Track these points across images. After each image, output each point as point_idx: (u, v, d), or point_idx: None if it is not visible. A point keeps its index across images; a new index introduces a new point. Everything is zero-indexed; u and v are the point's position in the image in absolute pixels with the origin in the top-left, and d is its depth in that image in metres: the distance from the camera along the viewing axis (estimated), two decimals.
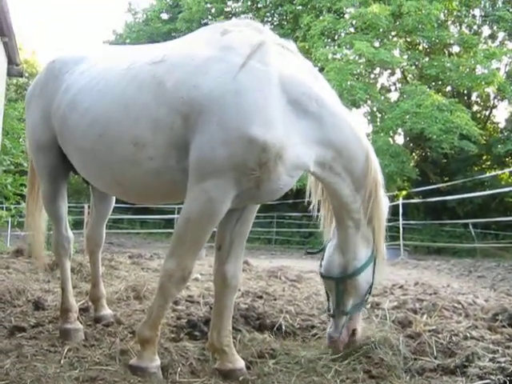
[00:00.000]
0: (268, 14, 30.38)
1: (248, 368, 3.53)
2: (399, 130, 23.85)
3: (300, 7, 27.09)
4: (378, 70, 25.64)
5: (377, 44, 23.62)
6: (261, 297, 6.09)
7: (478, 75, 21.95)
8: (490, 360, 3.59)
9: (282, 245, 24.34)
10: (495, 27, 25.47)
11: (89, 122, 3.52)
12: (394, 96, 26.62)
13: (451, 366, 3.51)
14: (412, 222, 20.42)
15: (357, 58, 22.94)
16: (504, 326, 4.68)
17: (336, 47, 24.37)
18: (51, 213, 4.33)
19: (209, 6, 30.65)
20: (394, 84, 27.88)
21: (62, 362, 3.44)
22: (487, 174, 23.34)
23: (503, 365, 3.43)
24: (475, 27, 25.77)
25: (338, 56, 23.84)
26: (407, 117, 21.19)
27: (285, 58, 3.30)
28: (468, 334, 4.28)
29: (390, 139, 23.11)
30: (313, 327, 4.66)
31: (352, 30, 24.76)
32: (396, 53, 23.40)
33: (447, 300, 5.85)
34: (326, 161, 3.33)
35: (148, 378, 3.17)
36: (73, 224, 11.22)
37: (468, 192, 18.07)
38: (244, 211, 3.60)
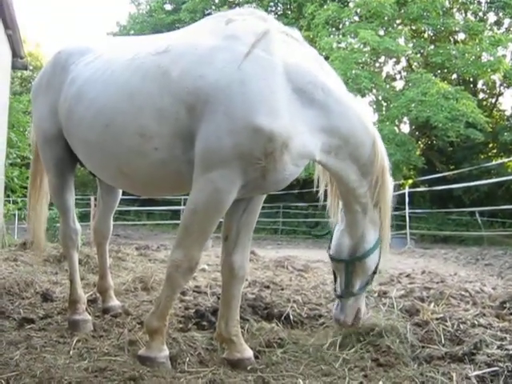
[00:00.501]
0: (272, 4, 30.23)
1: (256, 357, 3.55)
2: (405, 119, 23.75)
3: None
4: (383, 59, 25.46)
5: (382, 32, 23.49)
6: (268, 287, 6.11)
7: (484, 62, 21.79)
8: (498, 347, 3.59)
9: (288, 235, 24.33)
10: (501, 14, 25.24)
11: (94, 113, 3.52)
12: (399, 84, 26.49)
13: (459, 354, 3.51)
14: (418, 210, 20.37)
15: (361, 46, 22.82)
16: None
17: (341, 36, 24.25)
18: (58, 205, 4.35)
19: None
20: (400, 72, 27.75)
21: (71, 352, 3.47)
22: (493, 162, 23.22)
23: (511, 352, 3.43)
24: (481, 14, 25.54)
25: (343, 45, 23.71)
26: (413, 105, 21.08)
27: (289, 46, 3.28)
28: (476, 322, 4.28)
29: (396, 128, 23.01)
30: (320, 316, 4.67)
31: (356, 18, 24.60)
32: (401, 41, 23.23)
33: (454, 288, 5.84)
34: (332, 148, 3.32)
35: (157, 367, 3.19)
36: (79, 216, 11.25)
37: (474, 180, 17.98)
38: (251, 201, 3.60)
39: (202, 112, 3.08)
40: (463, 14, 25.64)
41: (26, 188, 11.49)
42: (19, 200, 12.04)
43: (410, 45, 23.69)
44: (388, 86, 24.24)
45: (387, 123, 22.07)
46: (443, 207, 22.81)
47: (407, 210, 16.83)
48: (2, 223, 10.25)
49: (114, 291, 4.87)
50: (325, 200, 4.02)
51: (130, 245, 11.28)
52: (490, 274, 8.83)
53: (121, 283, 5.72)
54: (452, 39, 25.73)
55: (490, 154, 27.70)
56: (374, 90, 23.60)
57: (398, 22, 24.54)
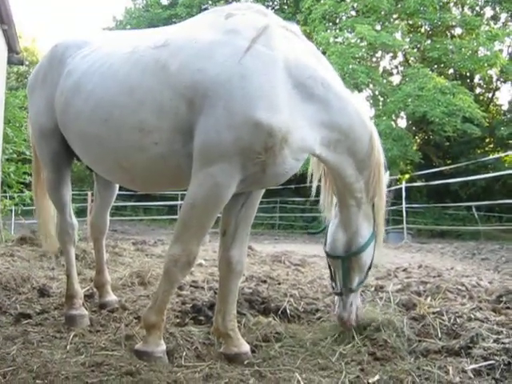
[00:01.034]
0: None
1: (253, 352, 3.55)
2: (402, 114, 23.78)
3: None
4: (379, 54, 25.48)
5: (378, 27, 23.49)
6: (265, 281, 6.12)
7: (481, 57, 21.82)
8: (495, 341, 3.59)
9: (285, 230, 24.39)
10: (498, 8, 25.29)
11: (92, 106, 3.50)
12: (396, 79, 26.52)
13: (455, 348, 3.52)
14: (415, 205, 20.44)
15: (358, 41, 22.84)
16: (508, 308, 4.68)
17: (337, 31, 24.25)
18: (55, 200, 4.33)
19: None
20: (396, 67, 27.76)
21: (67, 347, 3.47)
22: (490, 157, 23.29)
23: (507, 346, 3.43)
24: (477, 8, 25.57)
25: (340, 40, 23.74)
26: (409, 100, 21.12)
27: (289, 41, 3.27)
28: (472, 316, 4.29)
29: (393, 123, 23.06)
30: (317, 310, 4.68)
31: (353, 13, 24.60)
32: (398, 36, 23.26)
33: (451, 282, 5.85)
34: (331, 143, 3.33)
35: (154, 362, 3.19)
36: (76, 212, 11.24)
37: (471, 175, 18.03)
38: (249, 196, 3.60)
39: (201, 106, 3.07)
40: (460, 9, 25.65)
41: (22, 183, 11.50)
42: (16, 195, 12.01)
43: (407, 39, 23.71)
44: (385, 81, 24.26)
45: (384, 118, 22.11)
46: (440, 202, 22.89)
47: (404, 205, 16.85)
48: None
49: (111, 286, 4.86)
50: (317, 195, 4.02)
51: (126, 240, 11.28)
52: (486, 268, 8.84)
53: (118, 278, 5.71)
54: (449, 34, 25.73)
55: (486, 148, 27.78)
56: (371, 85, 23.63)
57: (394, 16, 24.55)
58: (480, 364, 3.25)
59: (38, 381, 2.85)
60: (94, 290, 4.88)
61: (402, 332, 3.76)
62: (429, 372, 3.16)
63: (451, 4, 25.47)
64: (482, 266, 9.18)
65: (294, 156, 3.16)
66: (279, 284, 6.04)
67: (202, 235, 3.29)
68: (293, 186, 21.48)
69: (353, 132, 3.38)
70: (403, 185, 17.83)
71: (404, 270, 7.58)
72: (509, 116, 27.33)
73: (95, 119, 3.48)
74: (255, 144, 3.01)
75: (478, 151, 26.75)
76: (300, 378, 3.02)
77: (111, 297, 4.71)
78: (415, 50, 24.29)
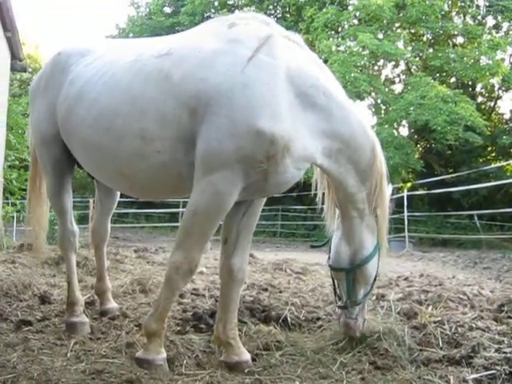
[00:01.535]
0: (271, 7, 30.27)
1: (254, 360, 3.55)
2: (403, 122, 23.76)
3: None
4: (381, 62, 25.51)
5: (380, 36, 23.50)
6: (266, 289, 6.10)
7: (483, 66, 21.81)
8: (496, 351, 3.58)
9: (286, 238, 24.34)
10: (499, 17, 25.28)
11: (95, 114, 3.52)
12: (398, 88, 26.53)
13: (457, 357, 3.51)
14: (417, 213, 20.41)
15: (360, 49, 22.83)
16: (510, 317, 4.66)
17: (339, 39, 24.27)
18: (56, 207, 4.34)
19: None
20: (398, 76, 27.78)
21: (68, 355, 3.47)
22: (492, 166, 23.28)
23: (509, 355, 3.42)
24: (479, 17, 25.57)
25: (342, 48, 23.74)
26: (411, 108, 21.11)
27: (292, 50, 3.30)
28: (473, 325, 4.27)
29: (395, 131, 23.05)
30: (318, 319, 4.66)
31: (355, 21, 24.63)
32: (400, 44, 23.28)
33: (452, 291, 5.83)
34: (333, 152, 3.34)
35: (154, 370, 3.19)
36: (78, 219, 11.25)
37: (473, 183, 18.00)
38: (251, 204, 3.61)
39: (203, 115, 3.09)
40: (462, 18, 25.68)
41: (24, 190, 11.51)
42: (18, 202, 12.04)
43: (409, 48, 23.75)
44: (387, 90, 24.26)
45: (386, 126, 22.11)
46: (442, 210, 22.86)
47: (406, 213, 16.84)
48: (0, 225, 10.24)
49: (112, 293, 4.86)
50: (322, 203, 4.02)
51: (128, 247, 11.26)
52: (488, 277, 8.82)
53: (119, 285, 5.71)
54: (451, 43, 25.75)
55: (488, 157, 27.74)
56: (373, 94, 23.64)
57: (396, 25, 24.57)
58: (481, 374, 3.24)
59: None
60: (95, 297, 4.87)
61: (403, 341, 3.76)
62: (430, 381, 3.16)
63: (453, 13, 25.55)
64: (484, 275, 9.16)
65: (295, 165, 3.17)
66: (280, 292, 6.02)
67: (204, 243, 3.30)
68: (295, 194, 21.49)
69: (354, 141, 3.39)
70: (405, 193, 17.82)
71: (405, 278, 7.56)
72: (511, 125, 27.31)
73: (98, 127, 3.50)
74: (257, 152, 3.02)
75: (480, 160, 26.68)
76: None
77: (112, 304, 4.70)
78: (417, 59, 24.32)
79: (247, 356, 3.50)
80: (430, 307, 4.89)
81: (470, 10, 25.03)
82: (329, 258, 3.94)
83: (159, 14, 32.81)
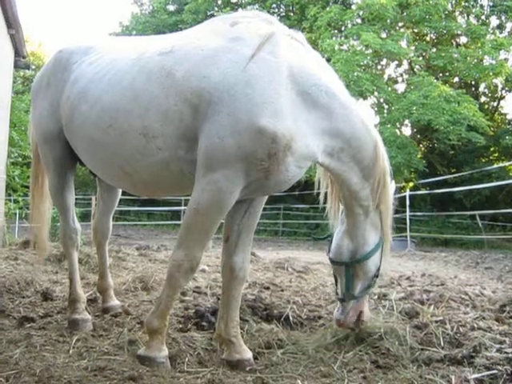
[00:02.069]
0: (274, 5, 30.22)
1: (255, 358, 3.56)
2: (406, 122, 23.73)
3: None
4: (384, 61, 25.50)
5: (384, 35, 23.50)
6: (268, 288, 6.11)
7: (486, 66, 21.80)
8: (497, 350, 3.58)
9: (288, 236, 24.34)
10: (503, 17, 25.27)
11: (98, 112, 3.53)
12: (401, 87, 26.52)
13: (458, 357, 3.51)
14: (419, 213, 20.39)
15: (363, 49, 22.81)
16: (511, 317, 4.67)
17: (343, 38, 24.27)
18: (58, 204, 4.35)
19: None
20: (401, 75, 27.76)
21: (70, 351, 3.48)
22: (495, 166, 23.24)
23: (510, 355, 3.42)
24: (483, 17, 25.52)
25: (345, 47, 23.73)
26: (414, 108, 21.08)
27: (294, 49, 3.30)
28: (475, 325, 4.28)
29: (397, 130, 23.02)
30: (320, 318, 4.67)
31: (359, 20, 24.60)
32: (403, 44, 23.25)
33: (454, 291, 5.84)
34: (335, 151, 3.35)
35: (156, 367, 3.20)
36: (80, 216, 11.26)
37: (475, 183, 18.01)
38: (252, 203, 3.61)
39: (205, 112, 3.10)
40: (465, 18, 25.64)
41: (27, 187, 11.50)
42: (20, 199, 12.03)
43: (412, 48, 23.72)
44: (390, 89, 24.22)
45: (388, 126, 22.06)
46: (444, 210, 22.84)
47: (408, 213, 16.83)
48: (2, 222, 10.26)
49: (114, 291, 4.87)
50: (325, 202, 4.02)
51: (130, 245, 11.29)
52: (490, 277, 8.82)
53: (121, 283, 5.72)
54: (454, 42, 25.74)
55: (491, 157, 27.70)
56: (376, 93, 23.60)
57: (400, 24, 24.57)
58: (482, 373, 3.24)
59: None
60: (97, 294, 4.89)
61: (404, 340, 3.76)
62: (431, 381, 3.16)
63: (457, 13, 25.51)
64: (486, 275, 9.15)
65: (297, 163, 3.17)
66: (282, 291, 6.03)
67: (206, 241, 3.31)
68: (296, 193, 21.49)
69: (356, 140, 3.39)
70: (407, 193, 17.81)
71: (407, 278, 7.56)
72: None
73: (100, 125, 3.51)
74: (259, 150, 3.02)
75: (483, 160, 26.66)
76: None
77: (114, 301, 4.71)
78: (420, 58, 24.28)
79: (249, 354, 3.50)
80: (432, 307, 4.89)
81: (473, 10, 25.00)
82: (329, 250, 3.96)
83: (162, 12, 32.81)
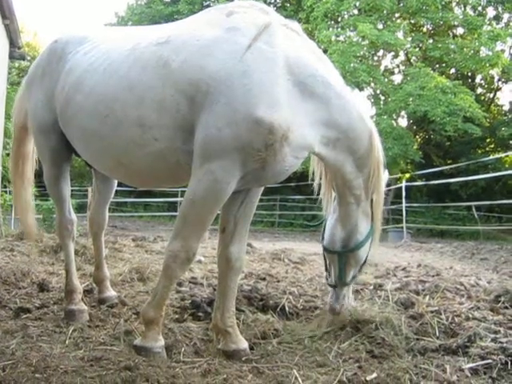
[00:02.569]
0: None
1: (251, 348, 3.57)
2: (402, 113, 23.78)
3: None
4: (381, 52, 25.50)
5: (380, 26, 23.48)
6: (264, 278, 6.13)
7: (483, 57, 21.80)
8: (492, 340, 3.60)
9: (285, 227, 24.39)
10: (500, 8, 25.26)
11: (93, 102, 3.51)
12: (397, 78, 26.53)
13: (453, 346, 3.53)
14: (415, 204, 20.45)
15: (360, 40, 22.81)
16: (506, 308, 4.69)
17: (339, 29, 24.24)
18: (54, 195, 4.34)
19: None
20: (398, 66, 27.78)
21: (66, 342, 3.48)
22: (491, 157, 23.30)
23: (505, 345, 3.44)
24: (480, 8, 25.48)
25: (342, 38, 23.72)
26: (411, 99, 21.11)
27: (290, 39, 3.29)
28: (470, 315, 4.30)
29: (394, 122, 23.06)
30: (316, 308, 4.69)
31: (355, 11, 24.56)
32: (400, 35, 23.23)
33: (450, 282, 5.86)
34: (330, 141, 3.35)
35: (152, 357, 3.20)
36: (76, 207, 11.24)
37: (471, 175, 18.05)
38: (249, 193, 3.61)
39: (202, 103, 3.09)
40: (462, 9, 25.59)
41: None
42: None
43: (409, 39, 23.69)
44: (386, 80, 24.25)
45: (385, 117, 22.09)
46: (440, 201, 22.90)
47: (404, 204, 16.85)
48: None
49: (111, 282, 4.87)
50: (319, 193, 4.05)
51: (126, 236, 11.28)
52: (485, 268, 8.84)
53: (117, 274, 5.72)
54: (451, 33, 25.73)
55: (487, 148, 27.78)
56: (372, 84, 23.62)
57: (396, 15, 24.53)
58: (477, 363, 3.25)
59: (37, 375, 2.86)
60: (94, 285, 4.89)
61: (399, 330, 3.78)
62: (426, 370, 3.17)
63: (453, 4, 25.43)
64: (481, 266, 9.18)
65: (293, 154, 3.17)
66: (278, 281, 6.05)
67: (202, 231, 3.31)
68: (293, 184, 21.52)
69: (352, 131, 3.39)
70: (403, 184, 17.82)
71: (403, 268, 7.58)
72: (510, 116, 27.32)
73: (96, 115, 3.49)
74: (255, 141, 3.02)
75: (479, 151, 26.74)
76: (298, 375, 3.04)
77: (110, 292, 4.71)
78: (417, 50, 24.25)
79: (245, 344, 3.51)
80: (427, 297, 4.92)
81: (470, 1, 24.87)
82: (322, 238, 4.02)
83: (158, 3, 32.62)
